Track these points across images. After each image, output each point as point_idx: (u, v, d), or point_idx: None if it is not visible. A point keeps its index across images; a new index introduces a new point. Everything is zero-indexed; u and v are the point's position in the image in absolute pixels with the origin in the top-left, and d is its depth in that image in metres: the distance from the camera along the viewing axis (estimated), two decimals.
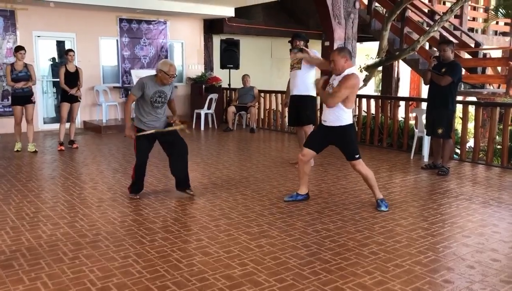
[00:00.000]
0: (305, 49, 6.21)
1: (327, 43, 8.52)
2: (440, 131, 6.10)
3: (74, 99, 7.89)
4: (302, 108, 6.43)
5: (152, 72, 11.32)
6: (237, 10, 11.73)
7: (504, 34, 15.63)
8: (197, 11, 11.20)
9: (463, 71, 8.35)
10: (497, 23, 15.75)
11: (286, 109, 7.49)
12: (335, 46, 8.42)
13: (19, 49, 7.44)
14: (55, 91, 10.80)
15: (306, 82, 6.36)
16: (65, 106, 7.86)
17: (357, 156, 4.54)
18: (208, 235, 3.87)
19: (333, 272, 3.19)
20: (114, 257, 3.42)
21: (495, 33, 15.52)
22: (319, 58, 6.40)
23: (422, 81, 18.26)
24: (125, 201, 4.86)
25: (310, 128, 6.48)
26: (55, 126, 9.79)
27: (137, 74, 10.74)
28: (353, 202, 4.85)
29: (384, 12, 11.38)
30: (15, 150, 7.61)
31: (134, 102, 4.91)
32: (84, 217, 4.35)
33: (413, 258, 3.42)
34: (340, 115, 4.45)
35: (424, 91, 18.11)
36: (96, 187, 5.46)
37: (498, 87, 10.94)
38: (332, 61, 4.37)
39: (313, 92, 6.45)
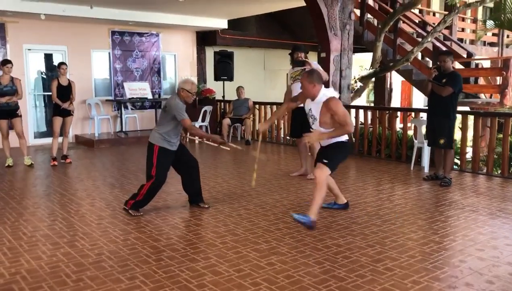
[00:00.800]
0: (308, 61, 6.22)
1: (323, 55, 8.48)
2: (441, 141, 6.08)
3: (66, 113, 7.72)
4: (304, 120, 6.35)
5: (145, 85, 11.29)
6: (230, 22, 11.69)
7: (491, 44, 15.83)
8: (189, 23, 11.15)
9: None
10: (485, 33, 15.96)
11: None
12: (332, 58, 8.41)
13: (5, 63, 7.27)
14: (44, 105, 10.59)
15: None
16: (58, 120, 7.69)
17: (326, 161, 4.28)
18: (216, 253, 3.73)
19: (349, 290, 3.07)
20: (120, 278, 3.27)
21: (484, 43, 15.71)
22: (321, 70, 6.41)
23: (413, 92, 18.34)
24: (125, 218, 4.71)
25: None
26: (46, 140, 9.61)
27: (130, 87, 10.64)
28: (360, 216, 4.75)
29: (377, 24, 11.43)
30: (6, 165, 7.40)
31: (171, 123, 4.76)
32: (85, 235, 4.19)
33: (430, 273, 3.32)
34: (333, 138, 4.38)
35: (415, 101, 18.31)
36: (94, 204, 5.30)
37: (490, 97, 11.01)
38: (302, 85, 4.39)
39: None
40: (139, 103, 11.32)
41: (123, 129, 10.58)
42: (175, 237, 4.15)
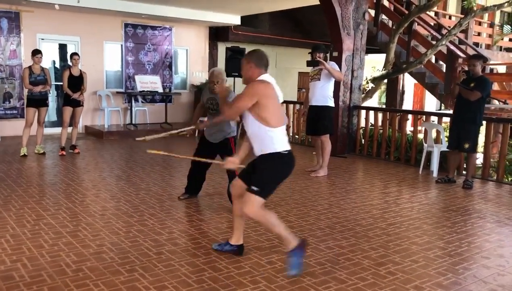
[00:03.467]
0: (321, 61, 6.30)
1: (335, 54, 8.40)
2: (467, 146, 6.11)
3: (77, 104, 7.75)
4: (320, 118, 6.61)
5: (156, 78, 11.32)
6: (243, 18, 11.65)
7: (508, 50, 15.60)
8: (202, 18, 11.13)
9: None
10: (502, 38, 15.73)
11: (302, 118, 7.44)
12: (344, 57, 8.32)
13: (36, 53, 7.40)
14: (56, 95, 10.65)
15: (325, 93, 6.55)
16: (68, 110, 7.72)
17: (255, 189, 3.17)
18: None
19: None
20: (119, 270, 3.26)
21: (500, 48, 15.49)
22: (337, 70, 6.63)
23: (425, 95, 18.10)
24: (129, 210, 4.70)
25: (327, 138, 6.57)
26: (55, 130, 9.66)
27: (141, 80, 10.65)
28: (364, 218, 4.70)
29: (391, 25, 11.31)
30: (21, 154, 7.42)
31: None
32: (87, 226, 4.19)
33: (433, 279, 3.26)
34: (265, 142, 3.26)
35: (428, 104, 18.13)
36: (98, 195, 5.30)
37: (504, 103, 10.85)
38: (241, 67, 3.44)
39: (331, 103, 6.63)
40: (150, 97, 11.34)
41: (133, 122, 10.61)
42: (177, 231, 4.13)
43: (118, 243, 3.78)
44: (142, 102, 11.34)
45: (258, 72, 3.35)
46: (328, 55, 6.77)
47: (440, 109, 18.73)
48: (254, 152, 3.37)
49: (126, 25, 10.97)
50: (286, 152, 3.28)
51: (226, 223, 4.39)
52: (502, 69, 13.37)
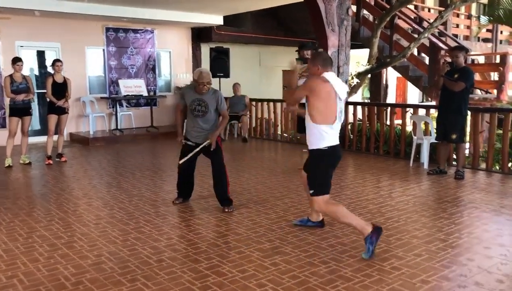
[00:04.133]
0: (310, 59, 6.23)
1: (320, 51, 8.38)
2: (454, 137, 6.18)
3: (61, 111, 7.59)
4: None
5: (140, 82, 11.16)
6: (225, 18, 11.57)
7: (485, 40, 15.83)
8: (184, 20, 11.02)
9: None
10: (480, 30, 15.95)
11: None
12: (329, 53, 8.30)
13: (16, 60, 7.23)
14: (38, 103, 10.42)
15: None
16: (53, 118, 7.56)
17: (311, 191, 3.60)
18: (218, 253, 3.65)
19: (357, 290, 3.01)
20: (121, 280, 3.17)
21: (478, 39, 15.70)
22: None
23: (408, 88, 18.27)
24: (124, 218, 4.61)
25: None
26: (40, 139, 9.46)
27: (125, 84, 10.51)
28: (362, 213, 4.68)
29: (373, 19, 11.37)
30: (6, 165, 7.22)
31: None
32: (83, 236, 4.09)
33: (438, 272, 3.26)
34: (316, 135, 3.59)
35: (410, 97, 18.29)
36: (91, 203, 5.19)
37: (486, 93, 10.98)
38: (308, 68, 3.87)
39: None
40: (134, 101, 11.19)
41: (118, 127, 10.46)
42: (176, 236, 4.06)
43: (116, 252, 3.69)
44: (127, 106, 11.19)
45: (324, 71, 3.60)
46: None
47: (422, 102, 18.95)
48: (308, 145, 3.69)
49: (108, 29, 10.81)
50: (326, 148, 3.54)
51: (224, 226, 4.34)
52: (481, 59, 13.54)
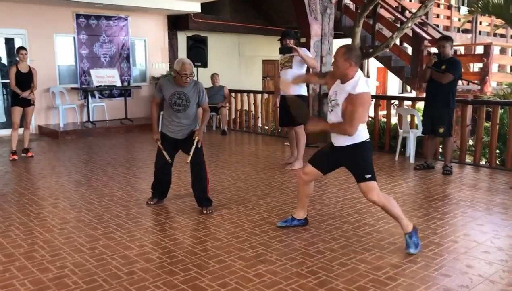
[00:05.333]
0: (295, 48, 5.94)
1: (303, 40, 8.06)
2: (441, 130, 5.95)
3: (27, 103, 7.09)
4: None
5: (113, 72, 10.65)
6: (203, 5, 11.11)
7: (465, 31, 15.76)
8: (160, 6, 10.52)
9: None
10: (459, 20, 15.88)
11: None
12: (312, 43, 8.00)
13: (20, 49, 6.95)
14: (3, 94, 9.84)
15: None
16: (17, 110, 7.05)
17: (368, 176, 3.46)
18: (196, 263, 3.30)
19: None
20: None
21: (458, 30, 15.63)
22: (311, 57, 6.30)
23: (388, 79, 18.13)
24: (92, 221, 4.21)
25: (301, 129, 6.26)
26: (5, 132, 8.91)
27: (97, 74, 9.99)
28: (350, 214, 4.40)
29: (355, 8, 11.08)
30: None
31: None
32: (45, 244, 3.68)
33: (438, 282, 2.98)
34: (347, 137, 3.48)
35: (391, 88, 18.17)
36: (57, 204, 4.76)
37: (468, 84, 10.85)
38: (334, 60, 3.48)
39: (304, 92, 6.27)
40: (107, 92, 10.66)
41: (90, 119, 9.95)
42: (149, 243, 3.69)
43: (82, 263, 3.30)
44: (99, 97, 10.66)
45: (355, 70, 3.40)
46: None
47: (402, 92, 18.85)
48: (335, 140, 3.56)
49: (78, 16, 10.22)
50: (368, 140, 3.56)
51: (202, 230, 3.98)
52: (461, 50, 13.44)
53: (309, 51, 7.43)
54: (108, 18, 10.66)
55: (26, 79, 6.99)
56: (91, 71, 10.10)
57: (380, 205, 3.52)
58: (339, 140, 3.54)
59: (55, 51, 10.04)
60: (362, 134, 3.49)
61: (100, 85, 9.91)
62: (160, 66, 11.67)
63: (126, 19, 10.95)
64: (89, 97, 10.05)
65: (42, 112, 9.85)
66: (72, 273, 3.14)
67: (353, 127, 3.37)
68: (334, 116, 3.49)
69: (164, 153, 4.44)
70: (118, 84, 10.27)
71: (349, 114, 3.35)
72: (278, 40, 6.33)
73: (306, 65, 6.14)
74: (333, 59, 3.53)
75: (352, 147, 3.50)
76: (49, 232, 3.93)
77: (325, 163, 3.76)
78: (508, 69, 12.59)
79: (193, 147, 4.33)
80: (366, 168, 3.48)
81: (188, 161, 4.33)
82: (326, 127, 3.59)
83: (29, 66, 7.12)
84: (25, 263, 3.31)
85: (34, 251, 3.54)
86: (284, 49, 6.12)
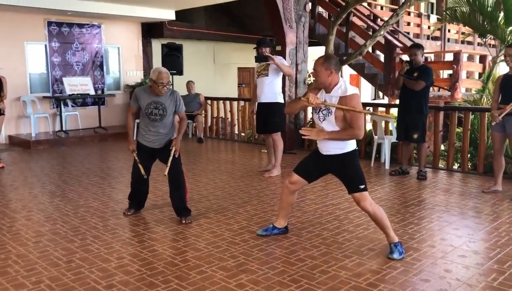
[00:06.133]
0: (271, 56, 5.98)
1: (278, 48, 8.10)
2: (415, 136, 6.06)
3: None
4: (270, 116, 6.26)
5: (87, 80, 10.48)
6: (177, 13, 11.07)
7: (434, 38, 16.16)
8: (133, 14, 10.43)
9: None
10: (428, 27, 16.29)
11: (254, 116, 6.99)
12: (287, 51, 8.06)
13: None
14: None
15: (274, 89, 6.21)
16: None
17: (362, 187, 3.49)
18: (177, 274, 3.26)
19: None
20: None
21: (427, 37, 16.02)
22: (286, 65, 6.34)
23: (361, 85, 18.41)
24: (68, 234, 4.11)
25: (278, 136, 6.29)
26: None
27: (70, 82, 9.83)
28: (329, 220, 4.43)
29: (328, 16, 11.23)
30: None
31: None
32: (19, 258, 3.57)
33: (417, 287, 3.03)
34: (344, 142, 3.51)
35: (363, 94, 18.44)
36: (30, 217, 4.63)
37: (439, 90, 11.12)
38: (314, 71, 3.51)
39: (280, 99, 6.30)
40: (81, 100, 10.48)
41: (63, 129, 9.75)
42: (128, 255, 3.62)
43: (59, 278, 3.22)
44: (72, 106, 10.47)
45: (337, 77, 3.45)
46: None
47: (375, 99, 19.17)
48: (325, 149, 3.58)
49: (50, 23, 10.03)
50: (356, 148, 3.61)
51: (182, 240, 3.94)
52: (431, 58, 13.76)
53: (285, 59, 7.48)
54: (80, 25, 10.50)
55: None
56: (64, 79, 9.92)
57: (371, 214, 3.53)
58: (327, 148, 3.56)
59: (26, 59, 9.82)
60: (351, 143, 3.53)
61: (73, 94, 9.74)
62: (134, 74, 11.55)
63: (99, 27, 10.81)
64: (62, 106, 9.85)
65: (12, 121, 9.60)
66: (49, 288, 3.05)
67: (361, 129, 3.43)
68: (328, 125, 3.48)
69: (140, 167, 4.39)
70: (92, 92, 10.11)
71: (354, 117, 3.36)
72: (253, 48, 6.34)
73: (282, 73, 6.18)
74: (312, 70, 3.57)
75: (341, 156, 3.53)
76: (23, 246, 3.83)
77: (312, 171, 3.78)
78: (477, 76, 12.96)
79: (170, 157, 4.29)
80: (360, 179, 3.52)
81: (166, 173, 4.27)
82: (332, 136, 3.51)
83: None
84: None
85: (7, 266, 3.43)
86: (260, 58, 6.15)
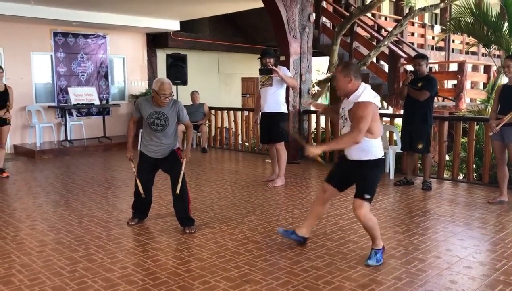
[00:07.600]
0: (275, 69, 6.00)
1: (282, 58, 8.13)
2: (420, 146, 6.05)
3: (2, 122, 6.93)
4: (273, 126, 6.23)
5: (92, 90, 10.55)
6: (182, 23, 11.15)
7: (438, 49, 16.19)
8: (139, 25, 10.51)
9: None
10: (433, 38, 16.32)
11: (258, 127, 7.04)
12: (291, 61, 8.08)
13: None
14: None
15: (278, 99, 6.22)
16: None
17: (367, 197, 3.50)
18: (180, 284, 3.24)
19: None
20: None
21: (432, 48, 16.04)
22: (290, 77, 6.40)
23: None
24: (72, 243, 4.11)
25: (282, 146, 6.29)
26: None
27: (75, 92, 9.89)
28: (334, 231, 4.41)
29: (332, 27, 11.27)
30: None
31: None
32: (23, 267, 3.57)
33: None
34: (365, 148, 3.48)
35: None
36: (34, 226, 4.64)
37: (443, 101, 11.11)
38: (335, 79, 3.58)
39: (284, 109, 6.31)
40: (85, 110, 10.53)
41: (68, 138, 9.79)
42: (131, 265, 3.61)
43: (62, 287, 3.21)
44: (77, 116, 10.52)
45: (357, 84, 3.47)
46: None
47: (379, 109, 19.18)
48: (349, 155, 3.59)
49: (56, 34, 10.12)
50: (383, 157, 3.60)
51: (185, 250, 3.93)
52: (435, 68, 13.77)
53: (289, 69, 7.50)
54: (86, 36, 10.59)
55: (1, 98, 6.85)
56: (69, 89, 9.98)
57: (362, 223, 3.57)
58: (351, 154, 3.58)
59: (32, 69, 9.89)
60: (377, 151, 3.52)
61: (78, 104, 9.79)
62: (139, 84, 11.61)
63: (104, 37, 10.90)
64: (67, 115, 9.90)
65: (18, 131, 9.65)
66: None
67: (359, 135, 3.37)
68: (348, 129, 3.55)
69: (139, 184, 4.41)
70: (97, 102, 10.16)
71: (355, 122, 3.41)
72: (258, 58, 6.35)
73: (285, 83, 6.20)
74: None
75: (364, 162, 3.52)
76: (27, 255, 3.82)
77: (339, 178, 3.78)
78: (481, 86, 12.95)
79: (182, 171, 4.30)
80: (370, 189, 3.53)
81: (177, 191, 4.27)
82: (330, 146, 3.66)
83: (5, 85, 6.99)
84: (2, 288, 3.20)
85: (11, 275, 3.43)
86: (264, 70, 6.15)
